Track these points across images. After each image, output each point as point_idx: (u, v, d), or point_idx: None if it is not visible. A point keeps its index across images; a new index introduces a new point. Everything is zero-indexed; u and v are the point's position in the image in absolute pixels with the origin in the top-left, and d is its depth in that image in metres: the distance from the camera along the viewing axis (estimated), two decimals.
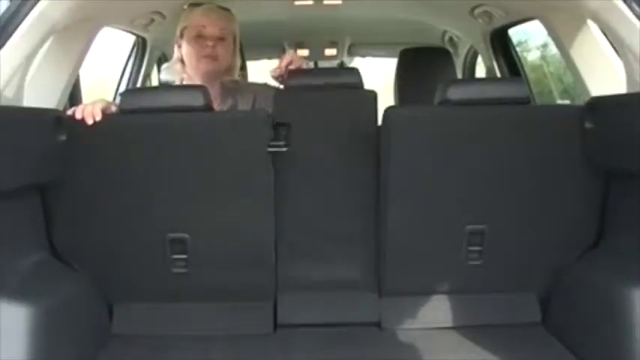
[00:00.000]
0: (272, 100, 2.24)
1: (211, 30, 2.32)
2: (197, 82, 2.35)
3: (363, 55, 4.09)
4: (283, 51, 3.72)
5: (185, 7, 2.44)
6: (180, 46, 2.40)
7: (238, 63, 2.50)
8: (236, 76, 2.51)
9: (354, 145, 2.18)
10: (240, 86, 2.49)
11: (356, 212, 2.21)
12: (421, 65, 2.91)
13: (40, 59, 2.02)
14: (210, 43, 2.31)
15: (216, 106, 2.31)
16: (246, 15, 2.84)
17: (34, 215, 1.92)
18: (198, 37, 2.33)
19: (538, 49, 4.01)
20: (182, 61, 2.40)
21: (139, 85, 3.14)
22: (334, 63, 3.98)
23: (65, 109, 2.10)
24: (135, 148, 1.94)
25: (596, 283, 1.88)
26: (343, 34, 3.55)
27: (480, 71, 3.43)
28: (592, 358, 1.83)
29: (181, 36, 2.39)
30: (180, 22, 2.41)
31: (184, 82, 2.41)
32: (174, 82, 2.45)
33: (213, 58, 2.32)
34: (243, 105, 2.41)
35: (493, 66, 3.07)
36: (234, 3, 2.47)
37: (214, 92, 2.40)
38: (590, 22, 2.10)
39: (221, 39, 2.34)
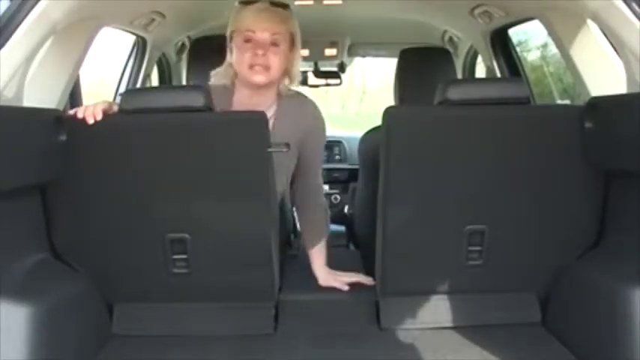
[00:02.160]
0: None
1: (261, 36, 2.10)
2: (249, 90, 2.19)
3: (363, 55, 4.09)
4: None
5: (235, 3, 2.20)
6: (231, 51, 2.19)
7: (298, 67, 2.25)
8: (296, 83, 2.26)
9: None
10: (301, 103, 2.27)
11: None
12: (421, 65, 2.91)
13: (40, 59, 2.02)
14: (260, 52, 2.09)
15: (273, 119, 2.14)
16: None
17: (34, 215, 1.92)
18: (247, 43, 2.11)
19: (538, 49, 4.01)
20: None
21: (139, 85, 3.13)
22: (334, 63, 3.98)
23: (65, 109, 2.10)
24: (135, 148, 1.94)
25: (596, 283, 1.88)
26: (343, 34, 3.55)
27: (480, 71, 3.43)
28: (592, 358, 1.83)
29: (231, 39, 2.18)
30: (229, 23, 2.19)
31: (236, 90, 2.24)
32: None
33: (265, 68, 2.10)
34: (296, 134, 2.19)
35: (493, 66, 3.07)
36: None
37: (269, 101, 2.22)
38: (590, 22, 2.09)
39: (273, 44, 2.12)
